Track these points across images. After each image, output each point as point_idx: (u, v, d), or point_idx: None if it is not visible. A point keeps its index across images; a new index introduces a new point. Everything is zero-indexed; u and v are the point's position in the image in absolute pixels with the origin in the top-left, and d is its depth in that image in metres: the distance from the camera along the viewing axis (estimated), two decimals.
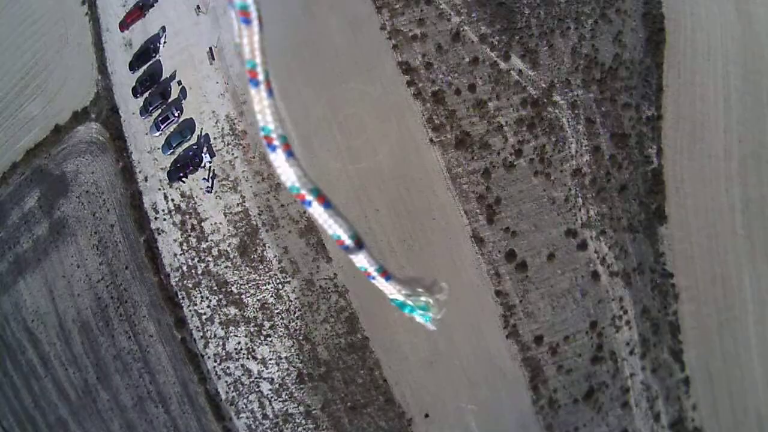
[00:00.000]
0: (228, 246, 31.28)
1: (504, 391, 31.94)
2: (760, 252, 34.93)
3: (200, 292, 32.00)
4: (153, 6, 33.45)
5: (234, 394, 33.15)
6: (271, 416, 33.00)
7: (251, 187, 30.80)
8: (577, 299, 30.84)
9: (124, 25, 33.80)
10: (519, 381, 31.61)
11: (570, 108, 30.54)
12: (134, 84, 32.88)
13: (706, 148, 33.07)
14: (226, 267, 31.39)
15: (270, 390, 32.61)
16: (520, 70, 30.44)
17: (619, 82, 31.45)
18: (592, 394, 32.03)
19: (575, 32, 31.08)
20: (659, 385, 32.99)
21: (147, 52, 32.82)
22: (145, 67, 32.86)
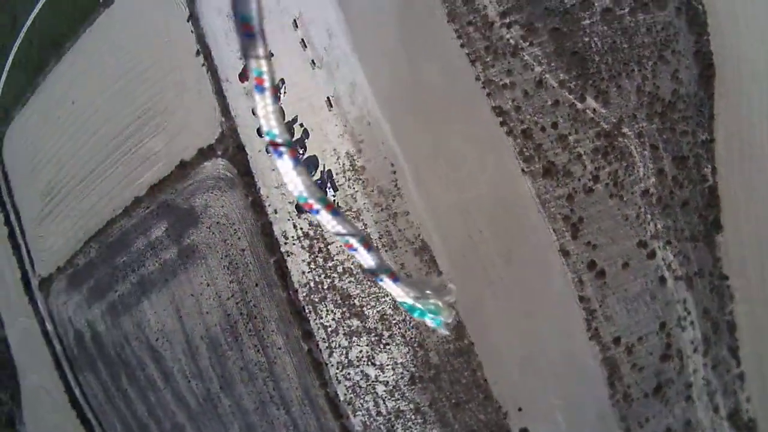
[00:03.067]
0: (352, 264, 40.86)
1: (585, 388, 41.32)
2: None
3: (326, 306, 41.52)
4: (270, 59, 43.27)
5: (352, 395, 42.64)
6: (384, 413, 42.49)
7: (372, 216, 40.40)
8: (647, 302, 40.43)
9: (243, 76, 43.43)
10: (598, 378, 40.95)
11: (637, 137, 40.16)
12: (258, 126, 42.58)
13: (755, 165, 42.67)
14: (349, 282, 40.84)
15: (384, 391, 42.08)
16: (594, 109, 40.13)
17: (677, 113, 41.05)
18: (660, 389, 41.41)
19: (639, 73, 40.72)
20: (718, 380, 42.42)
21: None
22: None
